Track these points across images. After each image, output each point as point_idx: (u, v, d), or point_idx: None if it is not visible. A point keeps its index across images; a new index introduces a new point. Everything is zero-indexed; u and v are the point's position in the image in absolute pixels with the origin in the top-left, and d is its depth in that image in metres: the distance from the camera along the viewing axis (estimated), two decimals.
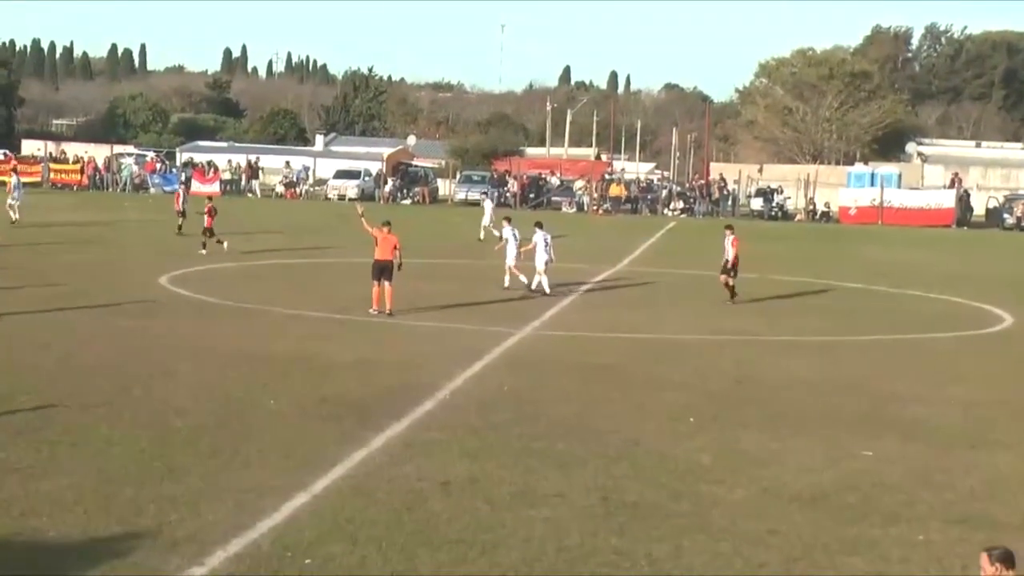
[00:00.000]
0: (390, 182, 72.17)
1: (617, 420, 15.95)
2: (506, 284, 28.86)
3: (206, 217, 34.80)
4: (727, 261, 28.41)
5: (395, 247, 24.27)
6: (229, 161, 75.44)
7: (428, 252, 37.14)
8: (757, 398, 17.81)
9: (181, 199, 42.12)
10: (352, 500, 12.01)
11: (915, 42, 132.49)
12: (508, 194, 71.77)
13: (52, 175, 69.24)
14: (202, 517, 11.33)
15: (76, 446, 13.57)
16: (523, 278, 28.76)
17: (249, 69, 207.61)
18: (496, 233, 40.78)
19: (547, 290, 28.33)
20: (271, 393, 16.64)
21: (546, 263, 28.51)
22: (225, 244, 34.28)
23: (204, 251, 34.05)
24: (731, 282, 28.19)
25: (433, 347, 21.16)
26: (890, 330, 25.76)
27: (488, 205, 47.67)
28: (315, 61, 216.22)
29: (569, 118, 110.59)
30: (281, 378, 17.69)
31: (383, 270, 24.22)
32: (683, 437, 15.19)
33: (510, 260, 28.96)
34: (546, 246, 28.57)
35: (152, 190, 69.49)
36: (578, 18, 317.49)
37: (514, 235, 29.05)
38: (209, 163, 73.89)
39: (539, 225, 29.49)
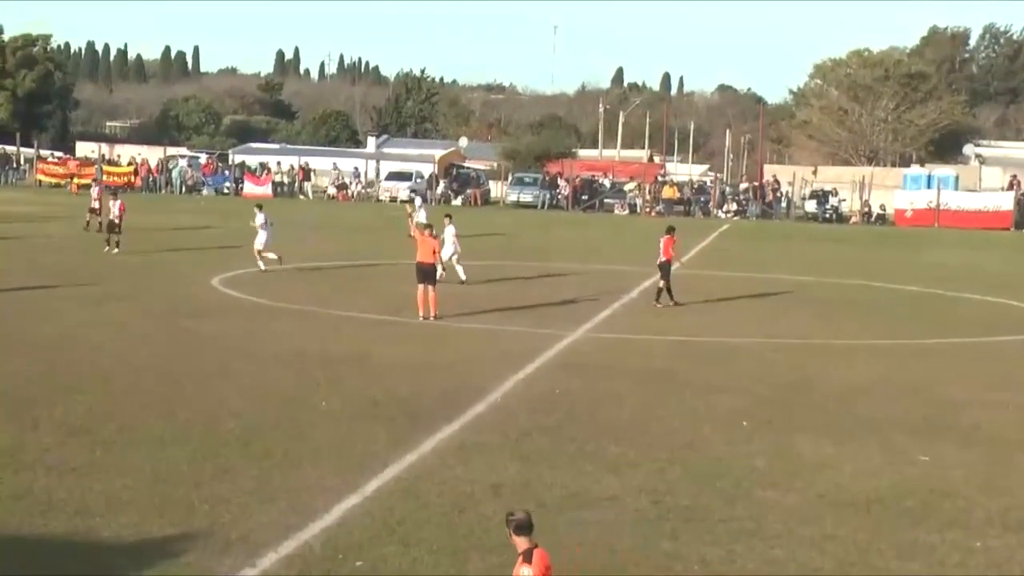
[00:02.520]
0: (441, 184, 72.17)
1: (670, 424, 15.85)
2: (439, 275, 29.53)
3: (117, 214, 34.32)
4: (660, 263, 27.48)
5: (435, 250, 24.02)
6: (279, 163, 75.59)
7: (479, 254, 37.12)
8: (812, 402, 17.64)
9: (96, 197, 41.83)
10: (403, 502, 11.99)
11: (973, 42, 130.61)
12: (560, 196, 71.62)
13: (105, 177, 69.76)
14: (254, 518, 11.35)
15: (130, 446, 13.65)
16: (460, 270, 29.84)
17: (301, 71, 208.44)
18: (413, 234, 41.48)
19: (440, 275, 28.84)
20: (323, 394, 16.65)
21: (451, 256, 29.63)
22: (116, 250, 33.56)
23: (114, 249, 33.47)
24: (660, 284, 27.40)
25: (484, 349, 21.13)
26: (947, 334, 25.39)
27: (418, 201, 47.52)
28: (367, 63, 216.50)
29: (622, 120, 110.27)
30: (333, 379, 17.71)
31: (425, 273, 24.00)
32: (737, 441, 15.07)
33: (446, 254, 29.74)
34: (454, 239, 29.87)
35: (205, 191, 69.91)
36: (631, 19, 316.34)
37: (453, 232, 30.13)
38: (262, 165, 74.00)
39: (448, 217, 30.79)
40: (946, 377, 20.14)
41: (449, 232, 30.14)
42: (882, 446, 15.06)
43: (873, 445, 15.09)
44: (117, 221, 34.25)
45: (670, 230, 28.36)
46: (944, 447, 15.13)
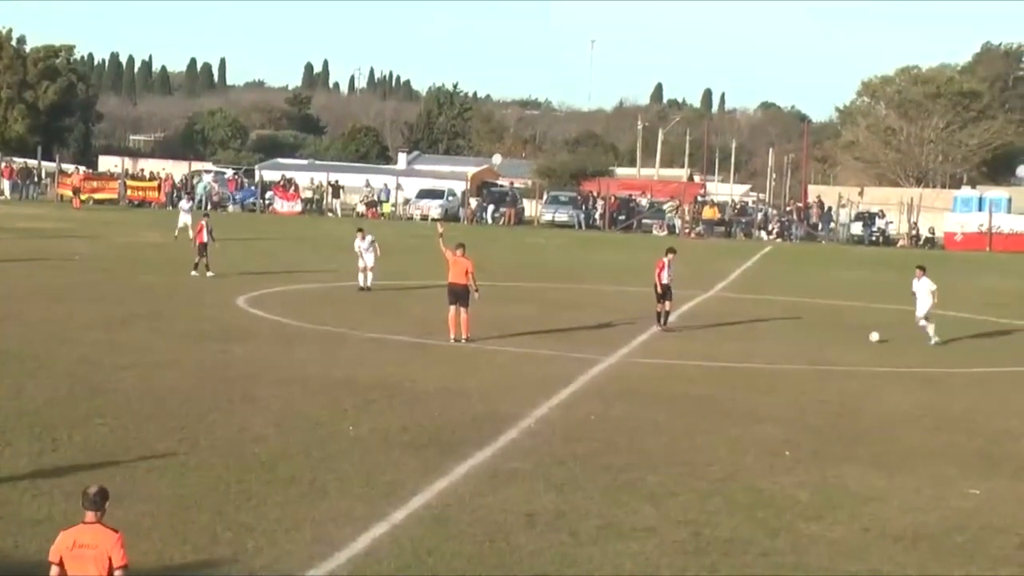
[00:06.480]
0: (473, 202, 71.97)
1: (710, 453, 15.53)
2: (367, 283, 31.72)
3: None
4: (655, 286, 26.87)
5: (467, 271, 23.64)
6: (311, 179, 75.41)
7: (512, 275, 36.83)
8: (858, 432, 17.26)
9: None
10: (433, 531, 11.80)
11: None
12: (596, 216, 71.22)
13: (129, 192, 69.78)
14: (279, 546, 11.19)
15: (152, 472, 13.41)
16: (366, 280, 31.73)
17: (330, 85, 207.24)
18: (189, 234, 42.59)
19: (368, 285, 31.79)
20: (351, 420, 16.40)
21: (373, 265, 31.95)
22: (209, 272, 33.20)
23: (206, 271, 33.10)
24: (666, 307, 26.71)
25: (517, 374, 20.81)
26: (999, 363, 24.84)
27: (185, 205, 47.96)
28: (398, 77, 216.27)
29: (661, 137, 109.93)
30: (361, 404, 17.45)
31: (457, 295, 23.68)
32: (780, 471, 14.74)
33: (370, 263, 31.75)
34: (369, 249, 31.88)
35: (230, 208, 69.61)
36: (671, 34, 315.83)
37: (369, 242, 31.96)
38: (289, 181, 73.67)
39: (360, 231, 32.70)
40: (998, 407, 19.69)
41: (368, 242, 31.68)
42: (931, 479, 14.70)
43: (922, 477, 14.74)
44: (205, 241, 33.53)
45: (669, 251, 27.60)
46: (996, 480, 14.75)
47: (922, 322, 26.25)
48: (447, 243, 24.58)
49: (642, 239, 64.15)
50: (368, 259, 31.84)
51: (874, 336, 26.20)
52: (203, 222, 34.19)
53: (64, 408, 16.33)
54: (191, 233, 43.98)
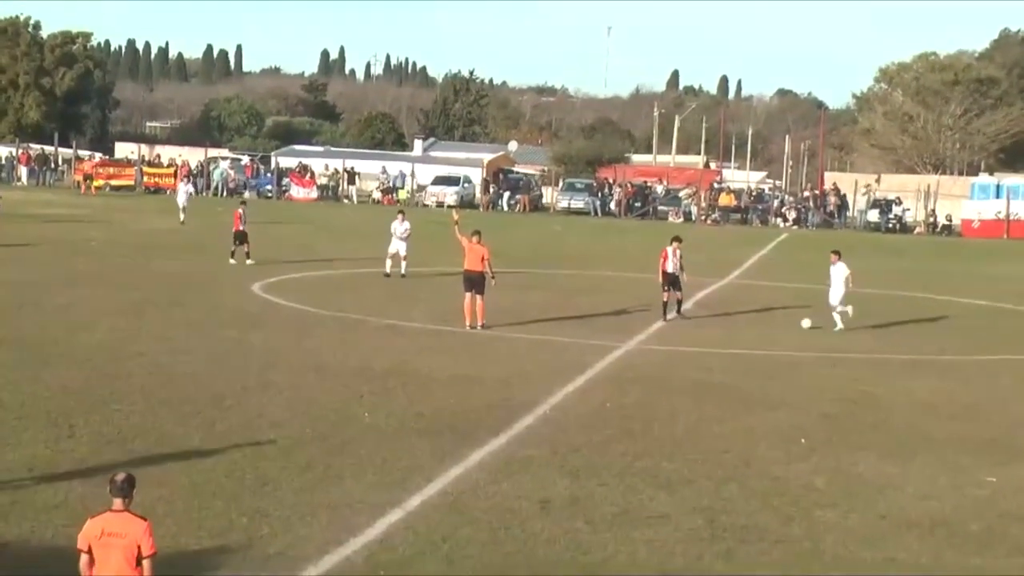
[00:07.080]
0: (490, 189, 71.86)
1: (726, 440, 15.50)
2: (400, 271, 31.73)
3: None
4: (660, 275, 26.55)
5: (483, 258, 23.62)
6: (326, 166, 75.30)
7: (527, 262, 36.80)
8: (874, 420, 17.20)
9: None
10: (448, 518, 11.82)
11: None
12: (612, 203, 71.11)
13: (146, 179, 69.89)
14: (294, 532, 11.23)
15: (167, 457, 13.44)
16: (390, 266, 31.90)
17: (346, 71, 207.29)
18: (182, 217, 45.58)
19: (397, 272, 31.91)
20: (367, 406, 16.42)
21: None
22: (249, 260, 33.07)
23: (245, 260, 32.90)
24: (670, 296, 26.37)
25: (533, 360, 20.79)
26: (1016, 350, 24.67)
27: (183, 188, 49.31)
28: (414, 63, 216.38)
29: (677, 124, 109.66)
30: (377, 390, 17.46)
31: (473, 281, 23.67)
32: (795, 459, 14.71)
33: (403, 251, 31.87)
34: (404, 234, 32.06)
35: (247, 194, 69.52)
36: (687, 20, 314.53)
37: (406, 228, 32.13)
38: (305, 167, 73.56)
39: (401, 213, 33.15)
40: (1015, 395, 19.62)
41: (404, 227, 31.79)
42: (947, 466, 14.66)
43: (937, 465, 14.70)
44: (243, 228, 33.29)
45: (675, 239, 27.34)
46: (1013, 468, 14.68)
47: (839, 308, 25.99)
48: (463, 230, 24.57)
49: (658, 226, 63.99)
50: (402, 247, 31.82)
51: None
52: (240, 210, 34.10)
53: (80, 394, 16.39)
54: (183, 216, 44.66)
